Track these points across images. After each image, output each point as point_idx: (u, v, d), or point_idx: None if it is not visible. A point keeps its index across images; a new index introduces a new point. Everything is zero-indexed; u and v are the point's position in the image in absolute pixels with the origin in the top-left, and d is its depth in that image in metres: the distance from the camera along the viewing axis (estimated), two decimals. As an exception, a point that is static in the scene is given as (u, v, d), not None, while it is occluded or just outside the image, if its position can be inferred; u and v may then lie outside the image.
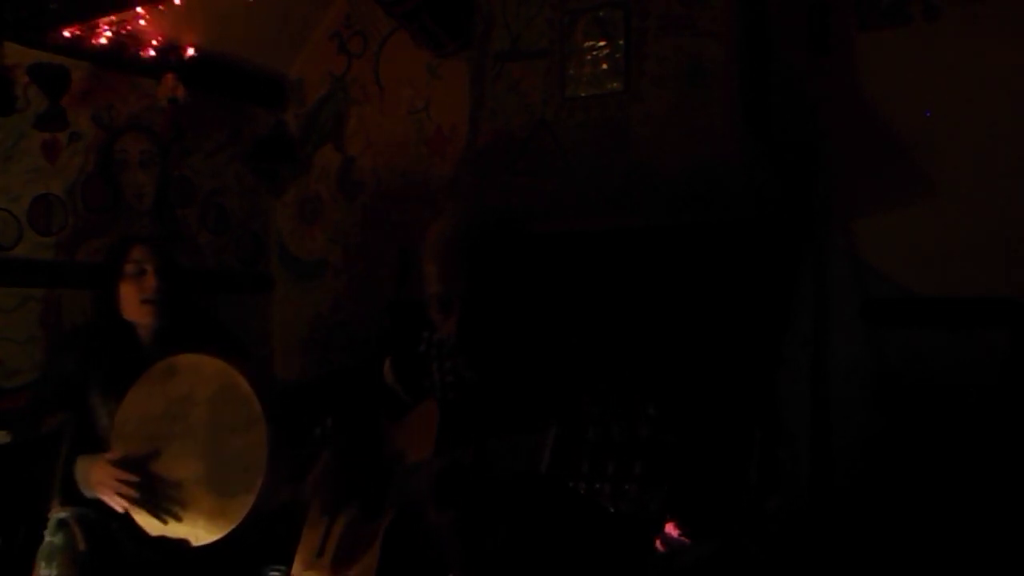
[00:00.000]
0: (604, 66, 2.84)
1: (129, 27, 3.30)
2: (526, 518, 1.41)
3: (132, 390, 2.17)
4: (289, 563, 1.84)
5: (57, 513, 2.15)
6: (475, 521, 1.35)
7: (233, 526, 1.99)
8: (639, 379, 1.57)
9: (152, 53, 3.41)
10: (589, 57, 2.87)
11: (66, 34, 3.16)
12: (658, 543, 2.17)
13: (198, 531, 2.03)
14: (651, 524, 1.23)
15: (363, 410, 1.90)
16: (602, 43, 2.85)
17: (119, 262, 2.26)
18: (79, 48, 3.23)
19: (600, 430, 1.19)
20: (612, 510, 1.16)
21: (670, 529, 2.28)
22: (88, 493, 2.13)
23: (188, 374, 2.16)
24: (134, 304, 2.24)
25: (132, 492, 2.05)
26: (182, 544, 2.04)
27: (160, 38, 3.42)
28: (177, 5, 3.18)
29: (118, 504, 2.07)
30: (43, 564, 2.08)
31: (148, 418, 2.15)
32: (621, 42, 2.81)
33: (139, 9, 3.20)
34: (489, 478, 1.36)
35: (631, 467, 1.15)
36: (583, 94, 2.88)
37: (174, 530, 2.06)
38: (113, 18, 3.22)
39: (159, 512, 2.07)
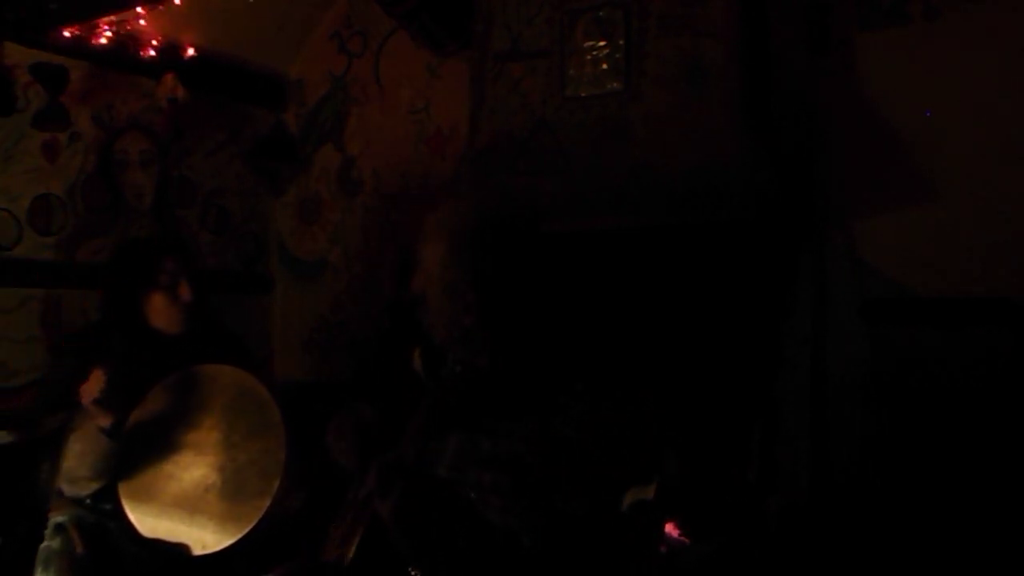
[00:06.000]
0: (604, 66, 2.84)
1: (129, 27, 3.29)
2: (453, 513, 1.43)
3: (146, 398, 2.18)
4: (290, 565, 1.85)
5: (55, 517, 2.15)
6: (410, 512, 1.37)
7: (244, 531, 2.00)
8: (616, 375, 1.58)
9: (152, 53, 3.41)
10: (589, 57, 2.87)
11: (66, 34, 3.16)
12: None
13: (206, 536, 2.04)
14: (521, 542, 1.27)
15: (396, 396, 1.91)
16: (602, 43, 2.85)
17: (152, 271, 2.27)
18: (79, 48, 3.23)
19: (492, 441, 1.23)
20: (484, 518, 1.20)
21: (670, 529, 2.29)
22: (92, 458, 2.10)
23: (205, 383, 2.18)
24: (165, 314, 2.27)
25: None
26: (181, 547, 2.04)
27: (160, 38, 3.42)
28: (177, 5, 3.18)
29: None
30: (40, 569, 2.08)
31: (160, 426, 2.16)
32: (621, 42, 2.81)
33: (139, 9, 3.20)
34: (423, 473, 1.38)
35: (501, 482, 1.19)
36: (583, 94, 2.88)
37: (179, 534, 2.06)
38: (113, 18, 3.22)
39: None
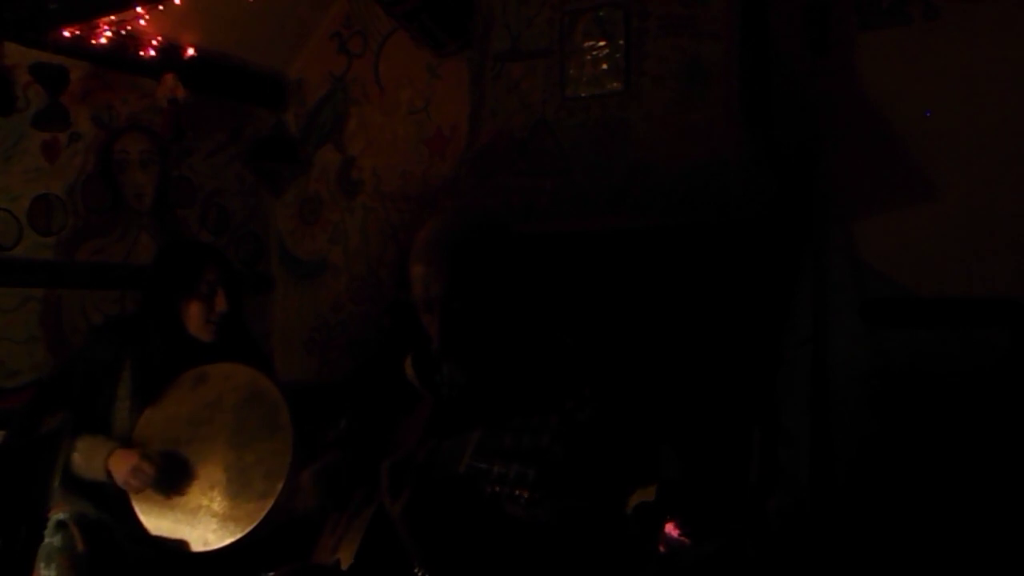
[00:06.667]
0: (604, 66, 2.84)
1: (129, 27, 3.29)
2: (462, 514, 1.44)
3: (161, 395, 2.19)
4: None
5: (56, 514, 2.16)
6: (420, 512, 1.38)
7: (246, 531, 2.00)
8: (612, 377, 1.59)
9: (152, 53, 3.41)
10: (589, 57, 2.87)
11: (66, 34, 3.16)
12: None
13: (208, 534, 2.04)
14: (547, 531, 1.28)
15: (384, 404, 1.92)
16: (602, 43, 2.85)
17: (193, 279, 2.28)
18: (79, 48, 3.23)
19: (515, 437, 1.24)
20: (507, 513, 1.21)
21: (670, 529, 2.29)
22: (90, 475, 2.14)
23: (218, 381, 2.19)
24: (200, 322, 2.28)
25: (146, 483, 2.08)
26: (182, 545, 2.05)
27: (160, 38, 3.42)
28: (177, 5, 3.18)
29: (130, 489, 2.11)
30: (42, 566, 2.09)
31: (172, 422, 2.17)
32: (621, 42, 2.81)
33: (139, 9, 3.20)
34: (434, 474, 1.39)
35: (527, 474, 1.20)
36: (583, 94, 2.88)
37: (179, 531, 2.06)
38: (113, 18, 3.22)
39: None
